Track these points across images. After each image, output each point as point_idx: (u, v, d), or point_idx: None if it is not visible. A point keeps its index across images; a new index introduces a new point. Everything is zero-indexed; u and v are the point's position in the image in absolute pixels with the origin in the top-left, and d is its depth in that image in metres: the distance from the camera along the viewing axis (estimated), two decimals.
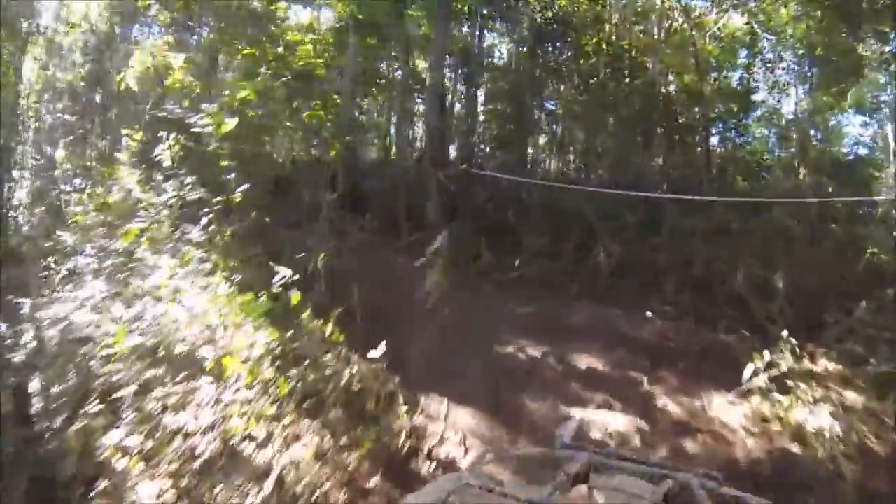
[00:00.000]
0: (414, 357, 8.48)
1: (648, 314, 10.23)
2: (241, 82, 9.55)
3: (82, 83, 15.62)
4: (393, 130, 20.98)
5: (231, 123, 8.47)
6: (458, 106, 19.44)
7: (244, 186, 8.51)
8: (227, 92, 9.81)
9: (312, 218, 13.87)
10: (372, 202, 17.01)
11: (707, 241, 12.56)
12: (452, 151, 18.53)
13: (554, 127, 19.74)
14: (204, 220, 8.17)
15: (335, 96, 12.54)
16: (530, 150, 18.97)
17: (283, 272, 7.58)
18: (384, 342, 7.56)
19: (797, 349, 8.77)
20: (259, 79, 10.96)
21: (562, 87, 19.51)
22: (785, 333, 8.81)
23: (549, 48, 18.84)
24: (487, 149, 19.67)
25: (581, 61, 18.79)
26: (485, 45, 19.89)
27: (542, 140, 20.07)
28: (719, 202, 13.51)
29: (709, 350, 9.26)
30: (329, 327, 7.42)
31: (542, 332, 9.53)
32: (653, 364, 8.79)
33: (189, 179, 8.51)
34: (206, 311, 6.94)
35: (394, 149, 20.60)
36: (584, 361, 8.84)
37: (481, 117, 19.75)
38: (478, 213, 14.95)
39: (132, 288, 7.16)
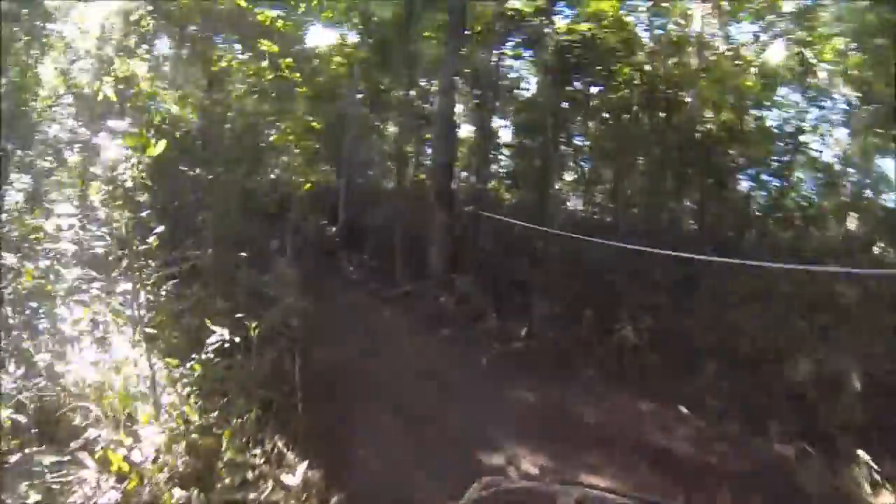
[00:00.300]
0: (366, 469, 6.29)
1: (682, 409, 7.98)
2: (171, 96, 7.57)
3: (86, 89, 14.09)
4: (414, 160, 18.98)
5: (158, 147, 6.45)
6: (471, 136, 17.33)
7: (159, 229, 6.58)
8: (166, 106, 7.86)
9: (302, 254, 12.06)
10: (372, 239, 15.07)
11: (752, 307, 10.25)
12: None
13: (579, 165, 17.41)
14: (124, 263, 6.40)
15: (310, 119, 10.60)
16: (551, 191, 16.64)
17: (219, 334, 5.84)
18: (313, 458, 5.67)
19: (875, 472, 6.57)
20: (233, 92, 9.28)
21: (589, 122, 17.25)
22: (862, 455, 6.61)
23: (576, 76, 16.56)
24: (502, 187, 17.46)
25: (611, 93, 16.53)
26: (504, 70, 17.54)
27: (565, 179, 17.66)
28: (764, 258, 11.24)
29: (761, 470, 6.98)
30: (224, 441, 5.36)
31: (543, 434, 7.26)
32: (688, 494, 6.45)
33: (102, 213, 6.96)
34: (111, 379, 5.31)
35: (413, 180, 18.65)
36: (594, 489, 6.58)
37: (499, 151, 17.56)
38: (485, 264, 12.80)
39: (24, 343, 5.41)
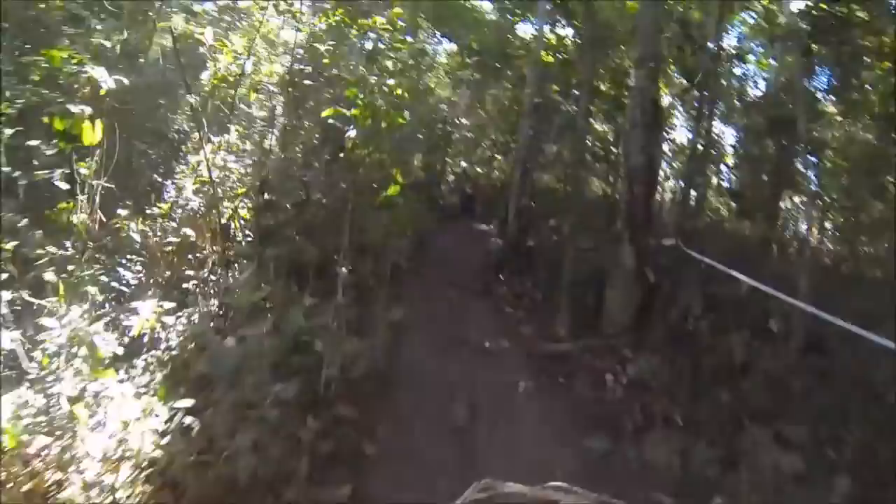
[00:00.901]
0: None
1: None
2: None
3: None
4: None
5: (94, 132, 4.45)
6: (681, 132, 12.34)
7: None
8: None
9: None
10: (541, 262, 11.09)
11: None
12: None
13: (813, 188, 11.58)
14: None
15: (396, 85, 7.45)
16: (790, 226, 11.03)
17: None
18: None
19: None
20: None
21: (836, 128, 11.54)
22: None
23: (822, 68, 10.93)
24: (723, 211, 12.19)
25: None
26: (725, 56, 12.10)
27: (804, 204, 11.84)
28: None
29: None
30: None
31: None
32: None
33: None
34: None
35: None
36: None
37: (721, 161, 12.34)
38: (684, 331, 8.14)
39: None
